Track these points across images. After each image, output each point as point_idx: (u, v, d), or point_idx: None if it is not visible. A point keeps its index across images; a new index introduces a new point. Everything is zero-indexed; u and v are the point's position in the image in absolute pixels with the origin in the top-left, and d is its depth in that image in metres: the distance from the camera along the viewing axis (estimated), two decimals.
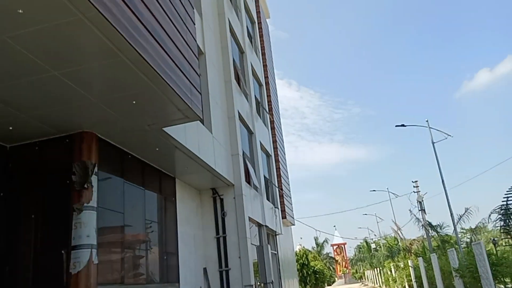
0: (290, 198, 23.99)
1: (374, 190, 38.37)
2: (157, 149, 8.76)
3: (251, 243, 13.73)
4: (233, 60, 15.86)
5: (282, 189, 20.91)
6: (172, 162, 9.96)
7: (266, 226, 16.19)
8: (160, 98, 6.58)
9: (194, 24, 8.23)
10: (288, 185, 24.28)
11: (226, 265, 12.25)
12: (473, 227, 21.37)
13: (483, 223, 18.93)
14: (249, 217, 13.55)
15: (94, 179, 7.01)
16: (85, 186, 6.79)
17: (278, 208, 19.47)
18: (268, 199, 18.27)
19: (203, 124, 11.20)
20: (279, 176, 21.57)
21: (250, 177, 14.96)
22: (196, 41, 8.11)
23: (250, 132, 17.01)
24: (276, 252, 18.35)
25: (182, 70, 6.93)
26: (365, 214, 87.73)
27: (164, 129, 7.88)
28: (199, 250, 12.11)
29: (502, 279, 13.22)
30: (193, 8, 8.41)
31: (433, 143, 19.61)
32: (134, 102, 6.57)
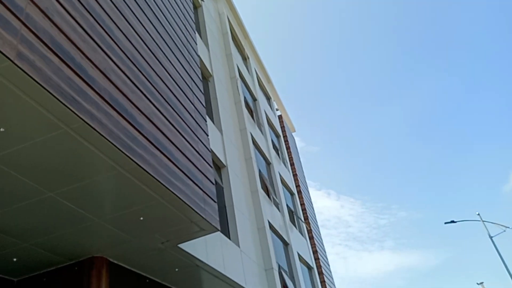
0: None
1: None
2: (176, 269, 8.05)
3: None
4: (259, 171, 15.70)
5: None
6: (196, 283, 9.10)
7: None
8: (169, 211, 6.14)
9: (208, 135, 8.17)
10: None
11: None
12: None
13: None
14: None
15: None
16: None
17: None
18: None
19: (229, 238, 10.54)
20: (323, 282, 19.66)
21: None
22: (209, 150, 7.94)
23: (285, 243, 16.00)
24: None
25: (194, 180, 6.61)
26: None
27: (180, 246, 7.29)
28: None
29: None
30: (206, 120, 8.43)
31: (491, 237, 17.62)
32: (141, 218, 6.15)
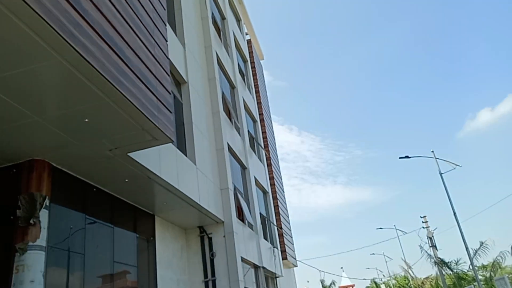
0: (291, 237, 22.57)
1: (381, 228, 36.74)
2: (126, 180, 7.75)
3: (245, 287, 12.35)
4: (223, 93, 15.18)
5: (281, 228, 19.60)
6: (147, 196, 8.91)
7: (263, 267, 14.80)
8: (118, 115, 5.66)
9: (166, 40, 7.49)
10: (289, 224, 22.94)
11: None
12: (488, 262, 19.79)
13: (501, 257, 17.42)
14: (242, 258, 12.27)
15: (43, 214, 5.96)
16: (31, 222, 5.73)
17: (277, 248, 18.07)
18: (265, 238, 16.96)
19: (185, 155, 10.27)
20: (277, 214, 20.32)
21: (243, 214, 13.80)
22: (167, 57, 7.32)
23: (243, 167, 16.02)
24: None
25: (147, 84, 6.07)
26: (373, 254, 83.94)
27: (131, 155, 6.92)
28: None
29: None
30: (165, 25, 7.69)
31: (440, 174, 18.46)
32: (87, 120, 5.65)
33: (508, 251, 16.72)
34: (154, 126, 6.12)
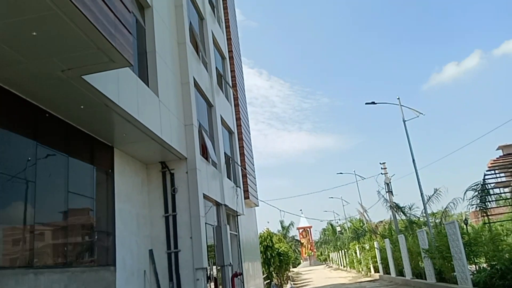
0: (254, 178, 22.78)
1: (341, 173, 37.94)
2: (82, 107, 7.19)
3: (206, 223, 12.40)
4: (190, 23, 14.28)
5: (245, 168, 19.63)
6: (105, 126, 8.40)
7: (225, 205, 14.89)
8: (70, 30, 5.02)
9: None
10: (253, 165, 23.05)
11: (176, 247, 10.88)
12: (442, 208, 20.91)
13: (453, 203, 18.41)
14: (204, 195, 12.19)
15: None
16: None
17: (240, 188, 18.19)
18: (229, 177, 16.96)
19: (147, 85, 9.68)
20: (242, 155, 20.25)
21: (207, 152, 13.56)
22: None
23: (210, 105, 15.54)
24: (237, 234, 17.12)
25: None
26: (331, 198, 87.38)
27: (87, 79, 6.33)
28: (144, 230, 10.66)
29: (474, 259, 12.51)
30: None
31: (404, 121, 18.80)
32: (34, 33, 4.99)
33: (461, 198, 17.71)
34: (111, 45, 5.53)
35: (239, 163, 18.69)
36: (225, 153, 16.57)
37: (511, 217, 19.36)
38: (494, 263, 10.37)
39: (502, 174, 18.12)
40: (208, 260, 12.19)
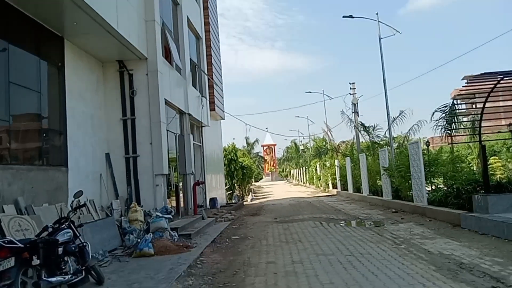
0: (222, 91, 21.99)
1: (309, 92, 37.56)
2: None
3: (168, 130, 11.86)
4: None
5: (212, 78, 18.74)
6: (52, 10, 7.27)
7: (189, 114, 14.28)
8: None
9: None
10: (221, 76, 22.10)
11: (134, 152, 10.39)
12: (402, 133, 21.26)
13: (418, 125, 18.64)
14: (166, 100, 11.47)
15: None
16: None
17: (206, 98, 17.48)
18: (194, 86, 16.13)
19: None
20: (210, 64, 19.19)
21: (171, 55, 12.55)
22: None
23: (175, 2, 14.13)
24: (200, 144, 16.79)
25: None
26: (298, 117, 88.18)
27: None
28: (100, 133, 10.01)
29: (431, 179, 12.84)
30: None
31: (380, 38, 18.13)
32: None
33: (426, 121, 17.91)
34: None
35: (206, 72, 17.75)
36: (191, 59, 15.55)
37: (467, 144, 19.98)
38: (452, 182, 10.63)
39: (463, 106, 18.22)
40: (170, 168, 11.86)
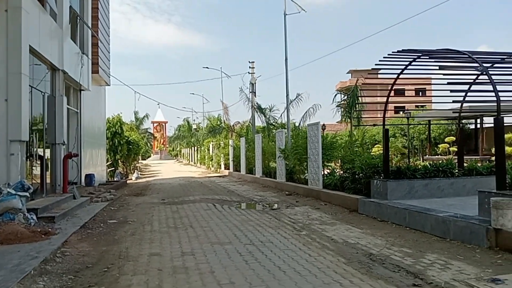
0: (109, 53, 19.35)
1: (207, 67, 35.96)
2: None
3: (33, 87, 9.53)
4: None
5: (97, 35, 16.15)
6: None
7: (64, 71, 11.86)
8: None
9: None
10: (108, 36, 19.40)
11: None
12: (302, 114, 21.20)
13: (313, 108, 18.61)
14: (32, 48, 9.13)
15: None
16: None
17: (88, 57, 14.96)
18: (74, 40, 13.59)
19: None
20: (95, 18, 16.51)
21: None
22: None
23: None
24: (77, 111, 14.33)
25: None
26: (193, 93, 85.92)
27: None
28: None
29: (326, 163, 12.58)
30: None
31: (285, 14, 17.46)
32: None
33: (321, 105, 18.05)
34: None
35: (90, 26, 15.17)
36: (71, 6, 12.99)
37: (349, 132, 20.67)
38: (349, 166, 10.36)
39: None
40: (32, 135, 9.59)
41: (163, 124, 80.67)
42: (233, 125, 29.71)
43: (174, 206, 10.88)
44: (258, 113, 21.74)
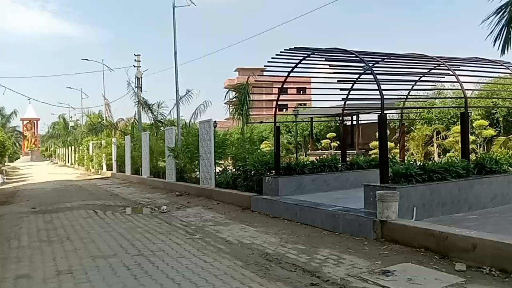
0: None
1: (86, 59, 32.79)
2: None
3: None
4: None
5: None
6: None
7: None
8: None
9: None
10: None
11: None
12: (193, 111, 20.60)
13: (204, 104, 18.23)
14: None
15: None
16: None
17: None
18: None
19: None
20: None
21: None
22: None
23: None
24: None
25: None
26: (70, 88, 77.46)
27: None
28: None
29: (218, 161, 12.35)
30: None
31: (174, 6, 16.67)
32: None
33: (211, 101, 17.79)
34: None
35: None
36: None
37: (239, 130, 20.87)
38: (241, 164, 10.27)
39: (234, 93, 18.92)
40: None
41: (35, 122, 72.54)
42: (116, 122, 27.75)
43: (48, 215, 9.58)
44: (145, 109, 20.57)
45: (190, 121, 18.37)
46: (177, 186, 13.95)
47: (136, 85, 21.82)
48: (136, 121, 22.79)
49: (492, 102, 16.21)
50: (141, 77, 21.98)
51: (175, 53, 16.03)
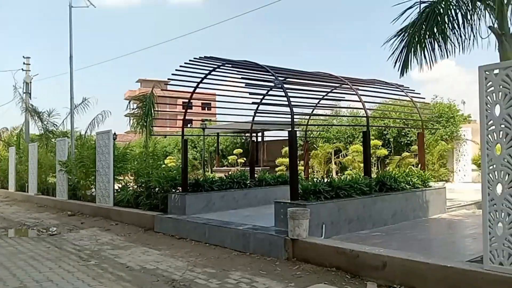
0: None
1: None
2: None
3: None
4: None
5: None
6: None
7: None
8: None
9: None
10: None
11: None
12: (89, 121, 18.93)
13: (102, 114, 16.85)
14: None
15: None
16: None
17: None
18: None
19: None
20: None
21: None
22: None
23: None
24: None
25: None
26: None
27: None
28: None
29: (117, 177, 11.38)
30: None
31: (70, 6, 15.22)
32: None
33: (110, 111, 16.55)
34: None
35: None
36: None
37: (141, 143, 19.85)
38: (145, 180, 9.55)
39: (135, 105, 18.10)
40: None
41: None
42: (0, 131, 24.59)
43: None
44: (35, 117, 18.44)
45: (86, 132, 16.89)
46: (70, 205, 12.57)
47: (24, 91, 19.57)
48: (23, 131, 20.37)
49: (384, 123, 17.66)
50: (30, 82, 19.78)
51: (71, 57, 14.65)
